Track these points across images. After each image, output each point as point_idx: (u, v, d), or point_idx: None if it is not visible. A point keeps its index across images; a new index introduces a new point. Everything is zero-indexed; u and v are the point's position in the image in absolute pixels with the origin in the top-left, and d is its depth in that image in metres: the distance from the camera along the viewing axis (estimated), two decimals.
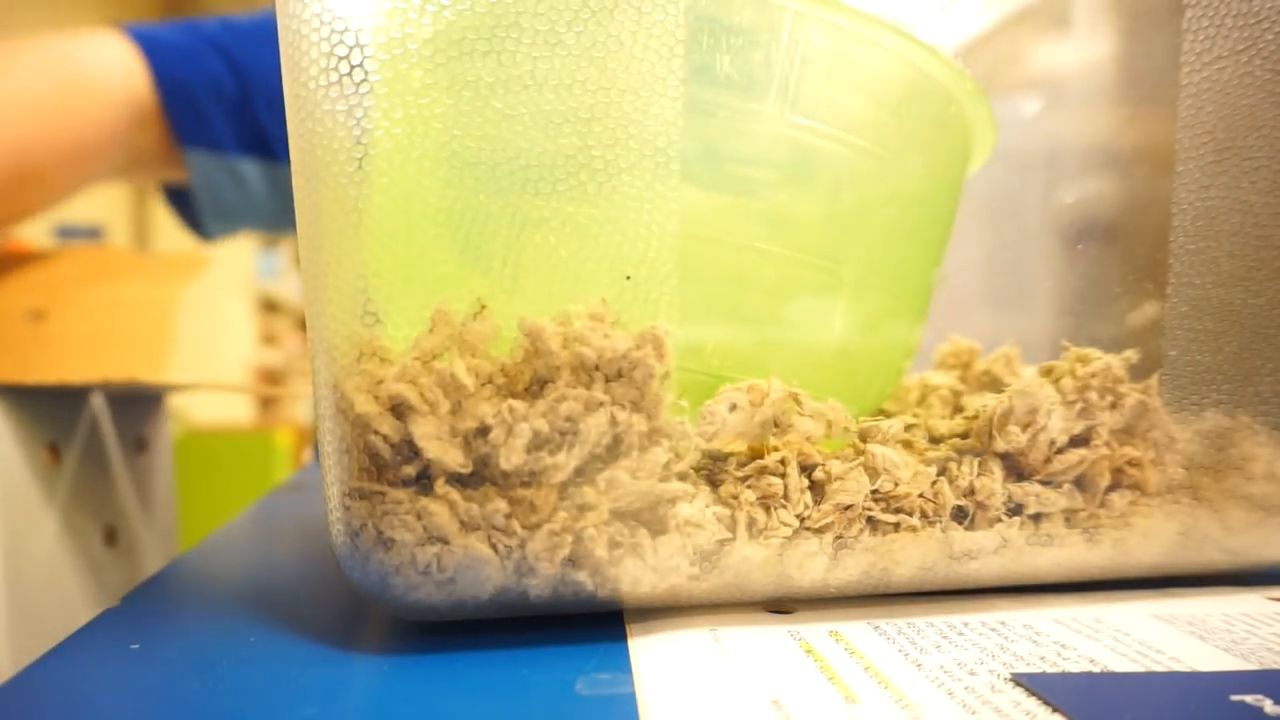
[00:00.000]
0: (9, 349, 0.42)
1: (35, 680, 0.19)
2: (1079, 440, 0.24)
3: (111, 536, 0.46)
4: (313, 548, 0.33)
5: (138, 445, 0.52)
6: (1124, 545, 0.24)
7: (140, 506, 0.51)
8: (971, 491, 0.23)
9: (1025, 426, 0.23)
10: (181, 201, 0.56)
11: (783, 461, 0.22)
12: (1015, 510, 0.23)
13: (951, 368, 0.35)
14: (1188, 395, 0.26)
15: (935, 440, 0.25)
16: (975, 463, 0.23)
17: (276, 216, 0.57)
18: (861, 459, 0.22)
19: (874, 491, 0.22)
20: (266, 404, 2.56)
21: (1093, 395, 0.24)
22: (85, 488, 0.44)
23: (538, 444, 0.20)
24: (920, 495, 0.23)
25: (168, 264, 0.54)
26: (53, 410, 0.41)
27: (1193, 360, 0.26)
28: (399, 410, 0.20)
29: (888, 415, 0.29)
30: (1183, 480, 0.25)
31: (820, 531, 0.22)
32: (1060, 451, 0.24)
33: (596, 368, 0.20)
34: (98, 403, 0.46)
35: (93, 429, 0.46)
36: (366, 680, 0.19)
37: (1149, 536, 0.25)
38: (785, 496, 0.22)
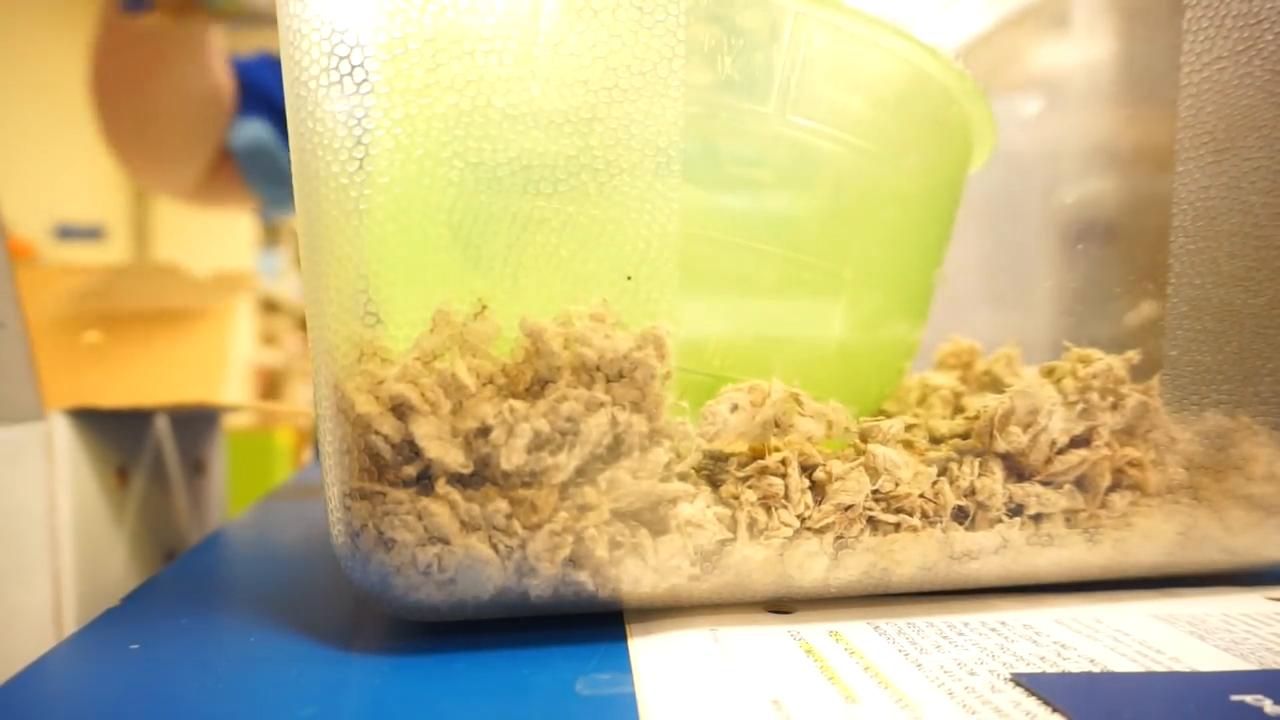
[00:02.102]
0: (72, 373, 0.42)
1: (35, 680, 0.19)
2: (1080, 441, 0.24)
3: (171, 558, 0.46)
4: (313, 548, 0.33)
5: (196, 468, 0.52)
6: (1124, 545, 0.24)
7: (198, 526, 0.51)
8: (972, 492, 0.23)
9: (1026, 427, 0.23)
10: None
11: (784, 462, 0.22)
12: (1016, 511, 0.23)
13: (952, 368, 0.35)
14: (1188, 395, 0.26)
15: (936, 440, 0.25)
16: (976, 463, 0.23)
17: None
18: (862, 459, 0.22)
19: (874, 491, 0.22)
20: (266, 401, 2.56)
21: (1094, 396, 0.24)
22: (150, 511, 0.44)
23: (538, 444, 0.20)
24: (921, 495, 0.23)
25: (215, 281, 0.55)
26: (121, 433, 0.41)
27: (1193, 360, 0.26)
28: (400, 410, 0.20)
29: (888, 415, 0.29)
30: (1183, 480, 0.25)
31: (821, 531, 0.22)
32: (1061, 452, 0.24)
33: (598, 368, 0.20)
34: (162, 426, 0.47)
35: (157, 452, 0.46)
36: (366, 680, 0.19)
37: (1149, 537, 0.25)
38: (786, 497, 0.22)
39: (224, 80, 0.61)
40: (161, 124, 0.60)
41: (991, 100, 0.28)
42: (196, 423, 0.52)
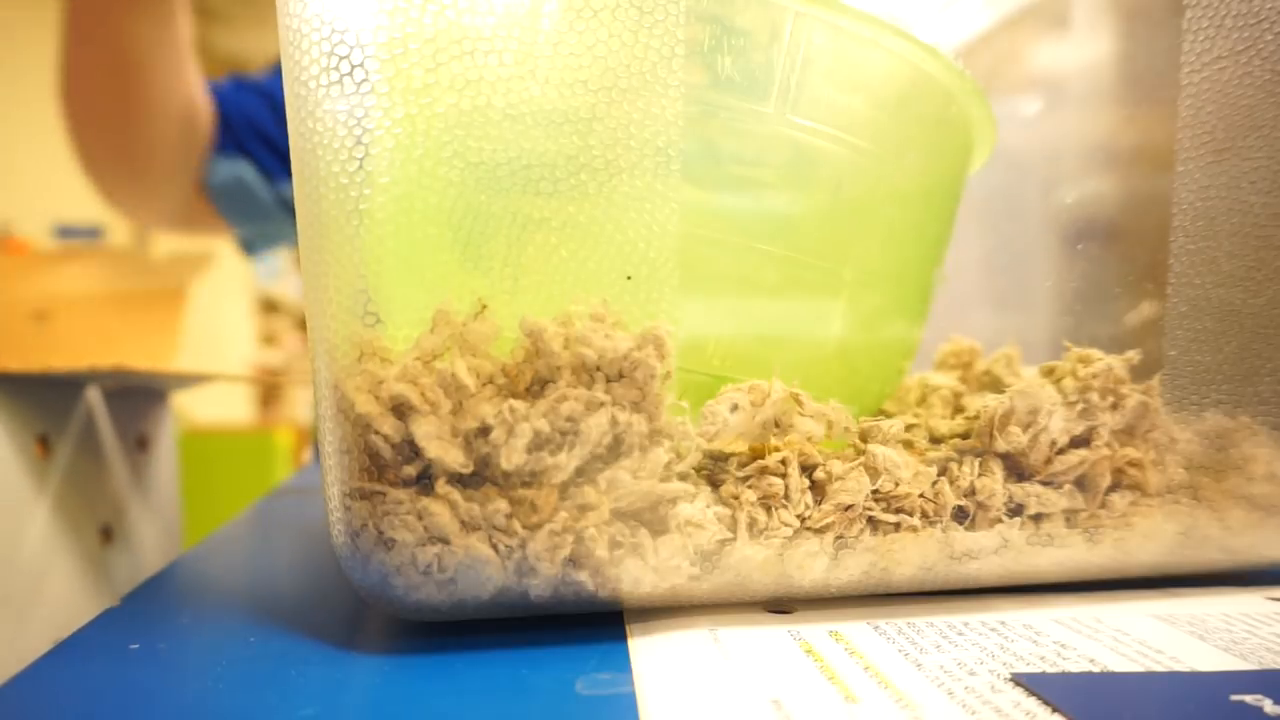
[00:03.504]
0: (12, 348, 0.42)
1: (35, 680, 0.19)
2: (1080, 441, 0.24)
3: (109, 534, 0.46)
4: (313, 548, 0.33)
5: (139, 443, 0.51)
6: (1124, 545, 0.24)
7: (141, 504, 0.50)
8: (972, 492, 0.23)
9: (1026, 427, 0.23)
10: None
11: (784, 462, 0.22)
12: (1016, 510, 0.23)
13: (952, 368, 0.35)
14: (1188, 395, 0.26)
15: (936, 440, 0.25)
16: (976, 463, 0.23)
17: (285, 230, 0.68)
18: (862, 459, 0.22)
19: (874, 491, 0.22)
20: (267, 402, 2.56)
21: (1094, 396, 0.24)
22: (79, 483, 0.43)
23: (539, 444, 0.20)
24: (921, 495, 0.23)
25: (171, 262, 0.54)
26: (44, 402, 0.41)
27: (1193, 360, 0.26)
28: (400, 410, 0.20)
29: (888, 415, 0.29)
30: (1183, 480, 0.25)
31: (821, 531, 0.22)
32: (1061, 452, 0.24)
33: (598, 368, 0.20)
34: (93, 397, 0.46)
35: (88, 424, 0.45)
36: (367, 680, 0.19)
37: (1149, 537, 0.25)
38: (786, 496, 0.22)
39: (202, 98, 0.59)
40: (140, 144, 0.57)
41: (991, 100, 0.28)
42: (138, 397, 0.51)
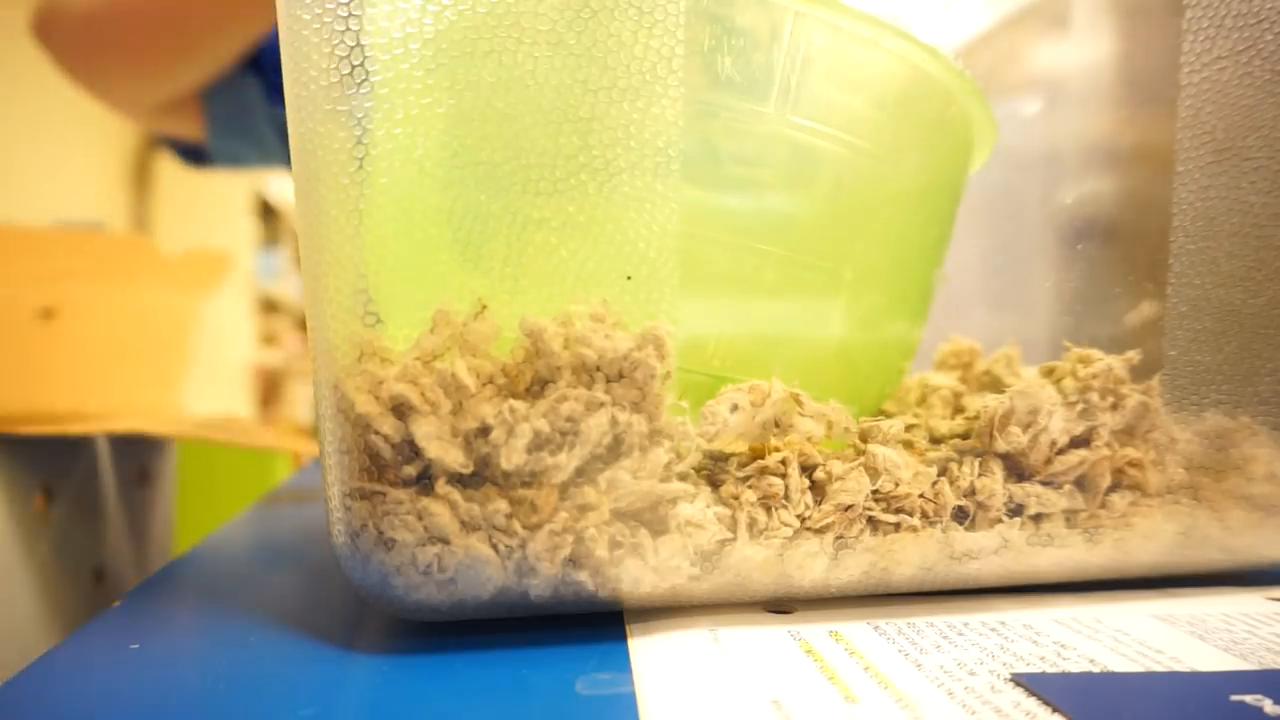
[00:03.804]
0: (14, 348, 0.40)
1: (35, 680, 0.19)
2: (1080, 441, 0.24)
3: (101, 575, 0.45)
4: (313, 548, 0.33)
5: (140, 477, 0.50)
6: (1124, 545, 0.24)
7: (133, 542, 0.49)
8: (972, 492, 0.23)
9: (1026, 427, 0.23)
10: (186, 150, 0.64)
11: (784, 462, 0.22)
12: (1016, 511, 0.23)
13: (952, 368, 0.35)
14: (1188, 395, 0.26)
15: (936, 441, 0.25)
16: (976, 463, 0.23)
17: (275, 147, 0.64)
18: (862, 459, 0.22)
19: (874, 491, 0.22)
20: (267, 402, 2.56)
21: (1094, 396, 0.24)
22: (76, 530, 0.42)
23: (539, 444, 0.20)
24: (921, 495, 0.23)
25: (187, 266, 0.52)
26: (52, 451, 0.39)
27: (1193, 360, 0.26)
28: (400, 410, 0.20)
29: (888, 415, 0.29)
30: (1183, 480, 0.25)
31: (821, 532, 0.22)
32: (1061, 452, 0.24)
33: (598, 368, 0.20)
34: (100, 441, 0.45)
35: (91, 466, 0.44)
36: (366, 680, 0.19)
37: (1149, 537, 0.25)
38: (786, 497, 0.22)
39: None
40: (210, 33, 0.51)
41: (991, 100, 0.28)
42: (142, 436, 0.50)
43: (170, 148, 0.66)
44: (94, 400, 0.38)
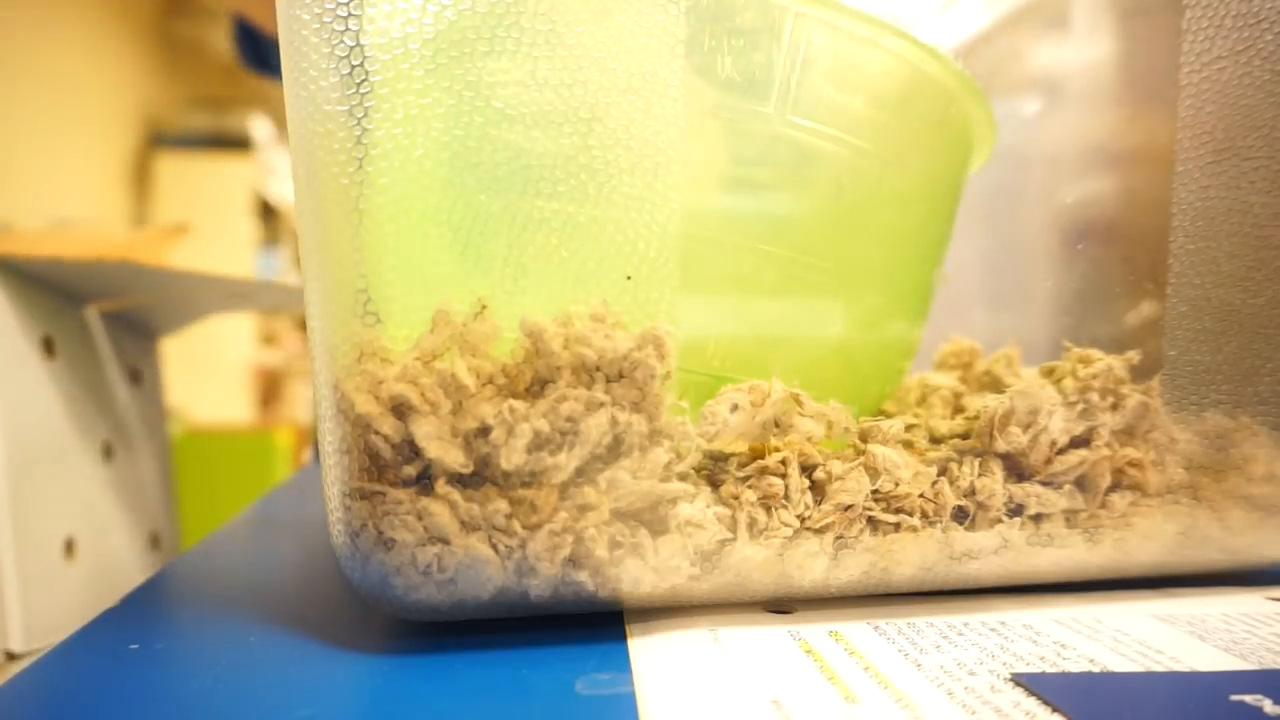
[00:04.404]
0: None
1: (35, 680, 0.19)
2: (1080, 441, 0.24)
3: (110, 451, 0.46)
4: (313, 548, 0.33)
5: (132, 376, 0.52)
6: (1124, 545, 0.24)
7: (138, 430, 0.50)
8: (972, 492, 0.23)
9: (1026, 427, 0.23)
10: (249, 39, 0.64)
11: (784, 462, 0.22)
12: (1016, 511, 0.24)
13: (952, 368, 0.35)
14: (1188, 395, 0.26)
15: (936, 441, 0.25)
16: (976, 463, 0.23)
17: None
18: (862, 459, 0.22)
19: (874, 491, 0.22)
20: (267, 402, 2.56)
21: (1094, 396, 0.24)
22: (81, 395, 0.43)
23: (538, 444, 0.20)
24: (921, 495, 0.23)
25: (149, 231, 0.55)
26: (49, 307, 0.41)
27: (1192, 360, 0.26)
28: (400, 410, 0.20)
29: (889, 416, 0.29)
30: (1183, 480, 0.25)
31: (821, 532, 0.22)
32: (1061, 452, 0.24)
33: (597, 368, 0.20)
34: (93, 318, 0.46)
35: (87, 340, 0.45)
36: (366, 680, 0.19)
37: (1149, 537, 0.25)
38: (786, 497, 0.22)
39: None
40: None
41: (991, 100, 0.28)
42: (131, 331, 0.52)
43: (239, 42, 0.64)
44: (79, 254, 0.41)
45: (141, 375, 0.53)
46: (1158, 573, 0.26)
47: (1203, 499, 0.25)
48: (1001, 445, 0.23)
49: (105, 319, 0.48)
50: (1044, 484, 0.24)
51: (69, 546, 0.40)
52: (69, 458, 0.41)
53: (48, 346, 0.41)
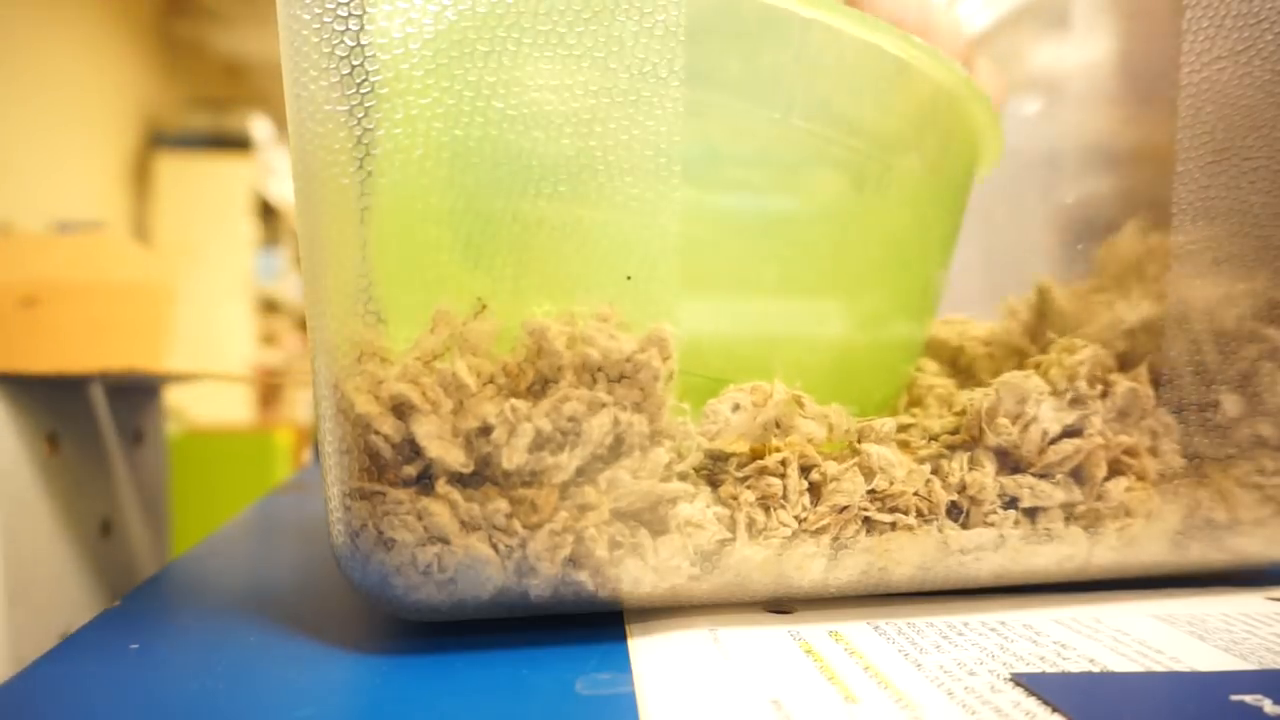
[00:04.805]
0: (1, 336, 0.42)
1: (35, 680, 0.19)
2: (1072, 430, 0.24)
3: (107, 528, 0.46)
4: (312, 548, 0.33)
5: (135, 437, 0.52)
6: (1125, 535, 0.24)
7: (136, 498, 0.51)
8: (963, 487, 0.23)
9: (1015, 418, 0.23)
10: None
11: (783, 462, 0.22)
12: (1010, 504, 0.23)
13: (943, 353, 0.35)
14: (1188, 395, 0.26)
15: (932, 439, 0.25)
16: (966, 458, 0.23)
17: None
18: (856, 459, 0.22)
19: (870, 491, 0.22)
20: (267, 402, 2.56)
21: (1082, 384, 0.24)
22: (83, 478, 0.44)
23: (540, 444, 0.20)
24: (915, 494, 0.23)
25: (162, 253, 0.54)
26: (52, 400, 0.41)
27: (1193, 360, 0.26)
28: (400, 410, 0.20)
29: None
30: (1182, 469, 0.25)
31: (818, 533, 0.22)
32: (1054, 442, 0.24)
33: (601, 369, 0.20)
34: (97, 394, 0.46)
35: (91, 420, 0.46)
36: (366, 680, 0.19)
37: (1150, 527, 0.24)
38: (784, 497, 0.22)
39: None
40: None
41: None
42: (134, 392, 0.52)
43: None
44: (83, 368, 0.40)
45: (144, 435, 0.53)
46: (1161, 572, 0.26)
47: (1204, 489, 0.25)
48: (991, 439, 0.23)
49: (108, 388, 0.48)
50: (1038, 476, 0.24)
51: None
52: (67, 541, 0.42)
53: (52, 442, 0.41)
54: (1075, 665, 0.19)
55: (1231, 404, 0.25)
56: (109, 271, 0.49)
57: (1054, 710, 0.17)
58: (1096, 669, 0.19)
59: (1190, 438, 0.25)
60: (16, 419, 0.38)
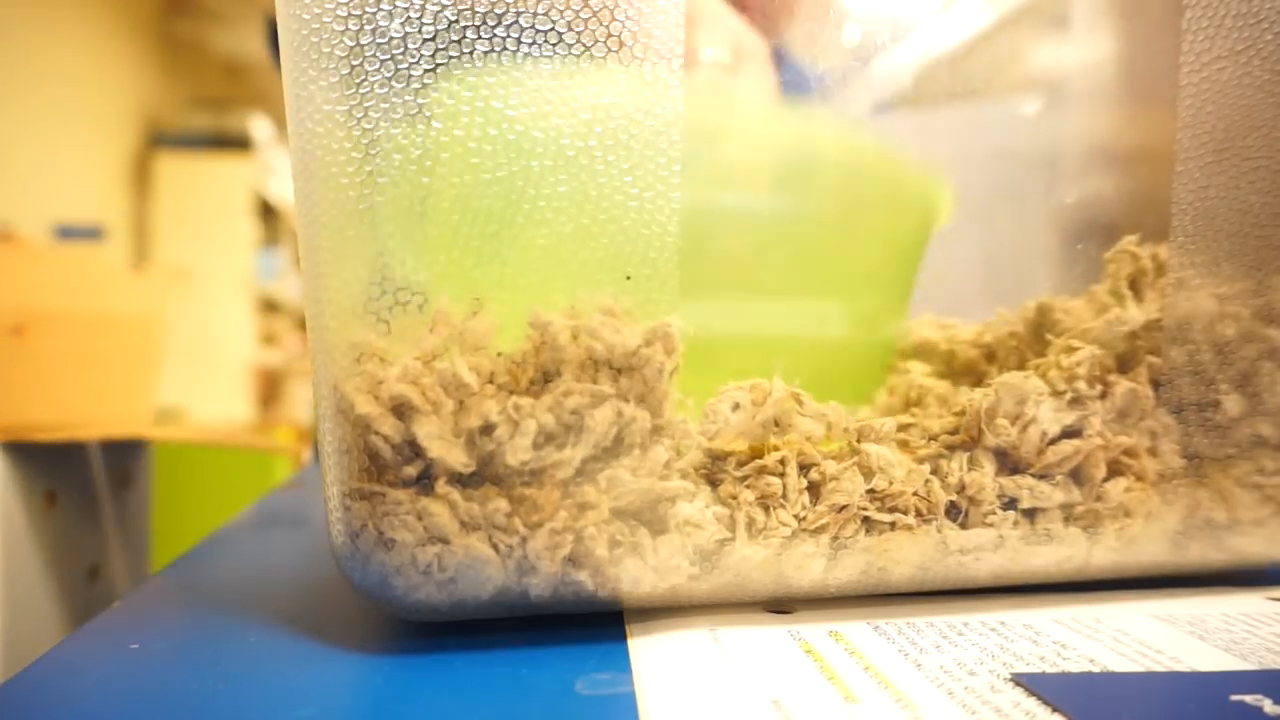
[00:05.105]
0: None
1: (35, 680, 0.19)
2: (1071, 431, 0.24)
3: (95, 573, 0.47)
4: (312, 548, 0.33)
5: (122, 481, 0.52)
6: (1124, 535, 0.24)
7: (121, 542, 0.51)
8: (962, 488, 0.23)
9: (1015, 419, 0.23)
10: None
11: (782, 461, 0.22)
12: (1009, 504, 0.23)
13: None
14: (1189, 396, 0.26)
15: (931, 439, 0.25)
16: (965, 458, 0.23)
17: None
18: (855, 458, 0.22)
19: (869, 490, 0.22)
20: (267, 402, 2.56)
21: (1082, 385, 0.24)
22: (76, 529, 0.44)
23: (544, 439, 0.20)
24: (914, 493, 0.23)
25: (151, 278, 0.54)
26: (53, 460, 0.42)
27: (1194, 360, 0.26)
28: (400, 410, 0.20)
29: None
30: (1182, 469, 0.25)
31: (817, 532, 0.22)
32: (1053, 443, 0.24)
33: (605, 363, 0.20)
34: (93, 450, 0.47)
35: (87, 474, 0.46)
36: (366, 680, 0.19)
37: (1149, 527, 0.24)
38: (784, 496, 0.22)
39: None
40: None
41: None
42: (127, 440, 0.52)
43: (274, 45, 0.66)
44: (69, 410, 0.41)
45: (131, 478, 0.54)
46: (1160, 572, 0.26)
47: (1204, 489, 0.25)
48: (991, 439, 0.23)
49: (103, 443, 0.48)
50: (1038, 476, 0.24)
51: None
52: (58, 587, 0.42)
53: (50, 498, 0.42)
54: (1075, 665, 0.19)
55: (1232, 404, 0.25)
56: (99, 299, 0.49)
57: (1054, 710, 0.17)
58: (1096, 669, 0.19)
59: (1190, 438, 0.25)
60: (18, 479, 0.39)
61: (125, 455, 0.52)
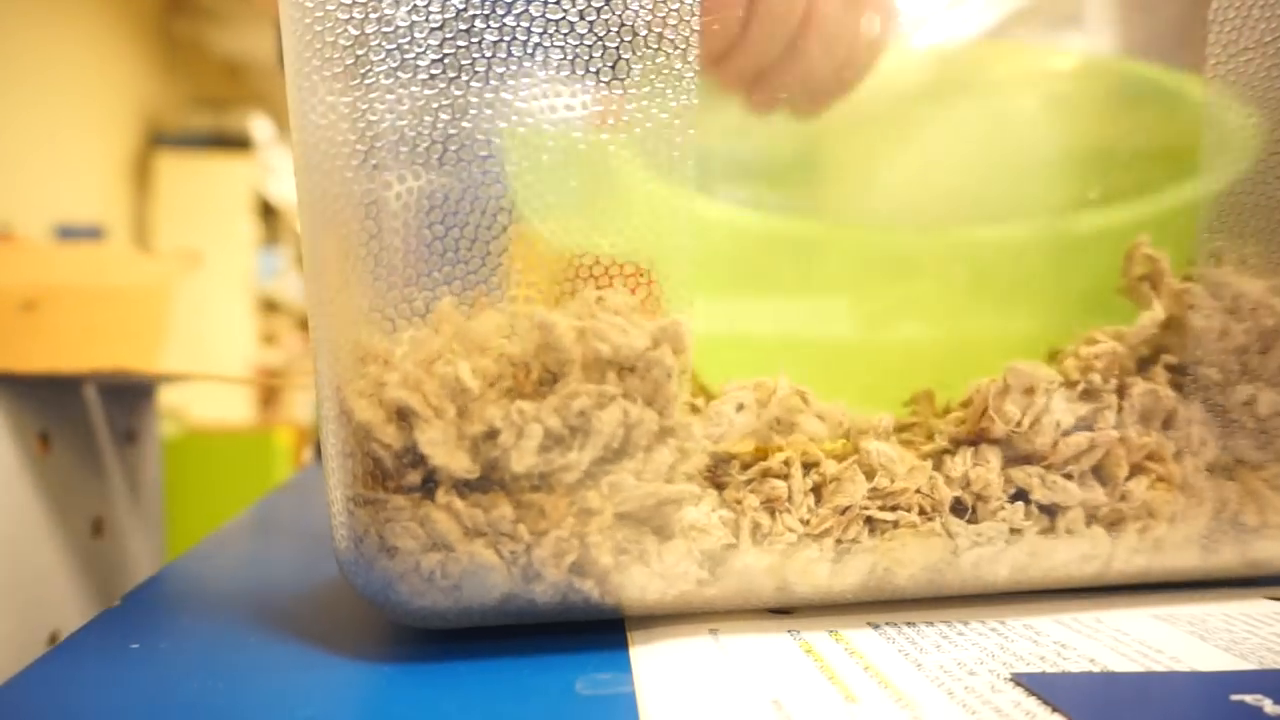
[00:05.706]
0: (1, 338, 0.43)
1: (35, 680, 0.19)
2: (1085, 424, 0.23)
3: (99, 527, 0.46)
4: (313, 548, 0.33)
5: (127, 437, 0.52)
6: (1148, 537, 0.23)
7: (129, 498, 0.51)
8: (967, 483, 0.22)
9: (1025, 408, 0.23)
10: None
11: (786, 463, 0.22)
12: (1018, 496, 0.23)
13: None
14: (1213, 394, 0.26)
15: (935, 432, 0.25)
16: (970, 452, 0.23)
17: None
18: (855, 457, 0.22)
19: (872, 489, 0.22)
20: (267, 402, 2.56)
21: (1096, 377, 0.23)
22: (75, 478, 0.44)
23: (550, 443, 0.20)
24: (917, 491, 0.22)
25: (161, 259, 0.55)
26: (44, 400, 0.42)
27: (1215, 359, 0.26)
28: (402, 416, 0.20)
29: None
30: (1208, 471, 0.24)
31: (821, 536, 0.22)
32: (1067, 434, 0.23)
33: (612, 363, 0.20)
34: (90, 394, 0.47)
35: (84, 420, 0.46)
36: (366, 682, 0.19)
37: (1174, 531, 0.24)
38: (789, 499, 0.22)
39: None
40: None
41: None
42: (128, 392, 0.52)
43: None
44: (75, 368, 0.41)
45: (137, 435, 0.53)
46: (1188, 578, 0.25)
47: (1233, 489, 0.24)
48: (1000, 427, 0.22)
49: (101, 389, 0.48)
50: (1052, 469, 0.23)
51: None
52: (57, 540, 0.42)
53: (43, 440, 0.41)
54: (1075, 665, 0.19)
55: (1264, 403, 0.25)
56: (108, 276, 0.50)
57: (1054, 710, 0.17)
58: (1096, 669, 0.19)
59: (1216, 438, 0.25)
60: (9, 418, 0.38)
61: (129, 411, 0.52)
